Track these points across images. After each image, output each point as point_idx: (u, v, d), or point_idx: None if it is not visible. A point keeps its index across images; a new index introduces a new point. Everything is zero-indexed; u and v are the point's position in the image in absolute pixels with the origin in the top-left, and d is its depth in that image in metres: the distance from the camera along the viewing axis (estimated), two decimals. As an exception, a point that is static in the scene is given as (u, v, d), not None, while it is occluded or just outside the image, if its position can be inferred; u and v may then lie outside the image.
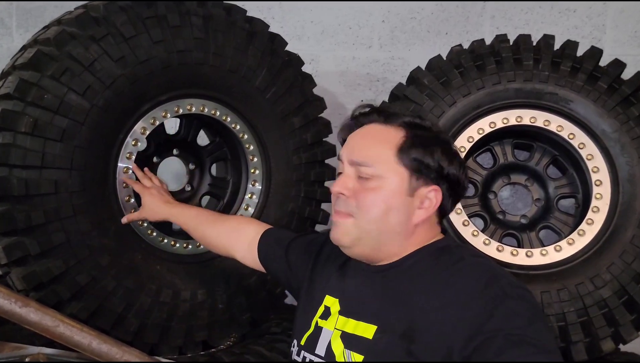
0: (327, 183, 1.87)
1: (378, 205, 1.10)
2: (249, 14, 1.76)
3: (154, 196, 1.59)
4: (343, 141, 1.20)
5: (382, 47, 2.29)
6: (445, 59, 1.89)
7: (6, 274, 1.49)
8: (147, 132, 1.60)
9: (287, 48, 1.83)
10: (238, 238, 1.49)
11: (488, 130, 1.81)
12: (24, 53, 1.48)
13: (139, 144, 1.59)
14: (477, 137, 1.81)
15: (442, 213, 1.16)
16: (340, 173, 1.17)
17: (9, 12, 2.54)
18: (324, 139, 1.93)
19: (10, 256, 1.42)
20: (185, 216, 1.58)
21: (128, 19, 1.51)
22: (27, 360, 1.22)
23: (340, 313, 1.14)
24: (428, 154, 1.10)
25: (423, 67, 1.90)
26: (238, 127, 1.77)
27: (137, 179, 1.64)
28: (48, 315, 1.10)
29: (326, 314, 1.17)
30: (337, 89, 2.30)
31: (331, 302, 1.17)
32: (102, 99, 1.48)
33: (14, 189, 1.39)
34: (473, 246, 1.72)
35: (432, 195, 1.11)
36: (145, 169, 1.68)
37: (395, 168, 1.10)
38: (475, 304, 0.99)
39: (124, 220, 1.56)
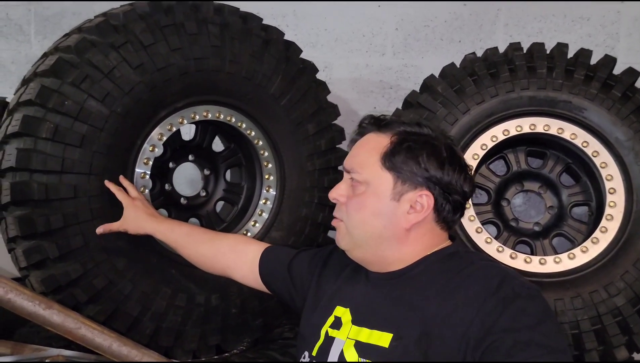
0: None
1: (361, 210, 1.13)
2: (263, 22, 1.78)
3: (139, 209, 1.49)
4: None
5: (395, 55, 2.30)
6: (458, 67, 1.90)
7: (25, 277, 1.51)
8: (164, 138, 1.62)
9: (301, 55, 1.85)
10: (238, 257, 1.46)
11: (501, 138, 1.81)
12: (45, 60, 1.51)
13: (156, 150, 1.61)
14: (490, 144, 1.81)
15: (443, 218, 1.16)
16: None
17: (27, 19, 2.58)
18: (337, 146, 1.94)
19: (30, 259, 1.44)
20: (174, 234, 1.50)
21: (147, 26, 1.54)
22: (47, 361, 1.24)
23: (353, 322, 1.14)
24: (412, 159, 1.12)
25: (436, 74, 1.91)
26: (253, 133, 1.78)
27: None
28: (70, 317, 1.12)
29: (337, 324, 1.17)
30: (351, 96, 2.31)
31: (342, 312, 1.18)
32: (120, 105, 1.50)
33: (34, 193, 1.41)
34: (485, 252, 1.72)
35: (423, 200, 1.12)
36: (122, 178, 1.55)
37: (380, 173, 1.13)
38: (487, 305, 1.00)
39: (100, 230, 1.46)
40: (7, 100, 1.68)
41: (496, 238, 1.84)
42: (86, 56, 1.47)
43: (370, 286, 1.18)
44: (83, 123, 1.45)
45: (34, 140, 1.42)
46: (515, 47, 1.87)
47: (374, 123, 1.19)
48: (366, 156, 1.15)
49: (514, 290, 1.01)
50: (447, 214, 1.15)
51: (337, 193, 1.18)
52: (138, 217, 1.49)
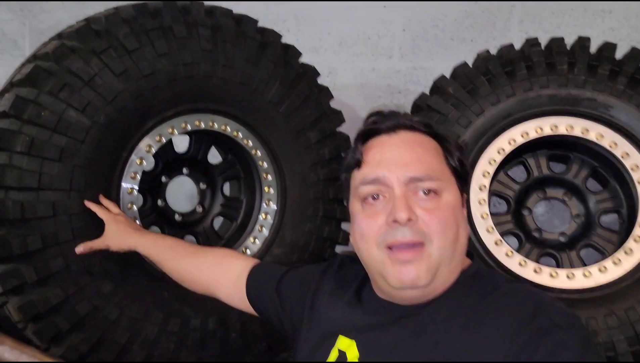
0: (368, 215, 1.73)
1: (452, 224, 0.94)
2: (259, 24, 1.67)
3: (120, 223, 1.38)
4: (357, 163, 1.01)
5: (403, 57, 2.17)
6: (471, 66, 1.77)
7: (4, 304, 1.40)
8: (153, 150, 1.52)
9: (303, 61, 1.74)
10: (222, 273, 1.31)
11: (520, 141, 1.68)
12: (22, 69, 1.41)
13: (145, 162, 1.50)
14: (508, 148, 1.68)
15: None
16: (373, 197, 0.97)
17: (22, 34, 2.50)
18: (342, 155, 1.82)
19: (6, 284, 1.34)
20: (157, 247, 1.37)
21: (131, 30, 1.44)
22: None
23: (362, 359, 0.98)
24: (464, 159, 1.01)
25: (447, 76, 1.78)
26: (250, 143, 1.67)
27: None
28: (25, 353, 0.99)
29: (342, 358, 1.00)
30: (357, 102, 2.18)
31: (347, 345, 1.01)
32: (103, 115, 1.40)
33: (9, 212, 1.31)
34: (506, 268, 1.58)
35: (465, 204, 1.01)
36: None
37: (451, 178, 0.99)
38: (520, 337, 0.85)
39: (79, 249, 1.35)
40: None
41: (518, 250, 1.69)
42: (65, 63, 1.37)
43: (383, 316, 1.00)
44: (62, 135, 1.35)
45: (9, 154, 1.32)
46: (532, 42, 1.74)
47: (405, 124, 1.01)
48: (433, 160, 0.97)
49: (551, 319, 0.86)
50: None
51: (411, 211, 0.93)
52: (120, 231, 1.38)
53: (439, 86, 1.74)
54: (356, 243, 1.01)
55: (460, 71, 1.75)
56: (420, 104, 1.75)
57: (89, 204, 1.38)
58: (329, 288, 1.12)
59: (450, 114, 1.67)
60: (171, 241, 1.40)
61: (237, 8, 1.67)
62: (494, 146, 1.68)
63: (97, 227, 1.40)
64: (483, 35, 2.11)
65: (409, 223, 0.93)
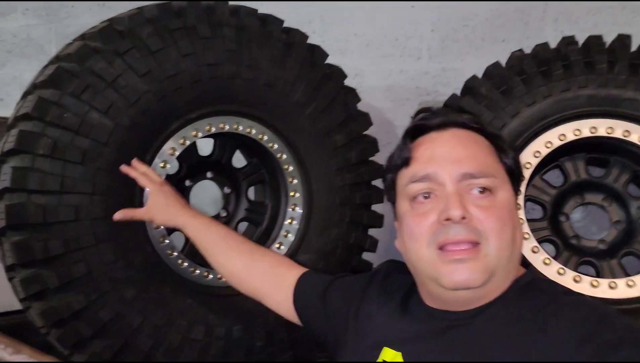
0: (417, 214, 1.61)
1: (508, 224, 0.89)
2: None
3: (169, 195, 1.30)
4: (405, 161, 0.96)
5: (432, 58, 2.12)
6: (504, 66, 1.70)
7: (27, 308, 1.38)
8: (177, 153, 1.48)
9: (329, 62, 1.69)
10: (275, 283, 1.24)
11: (557, 143, 1.60)
12: (45, 70, 1.39)
13: (168, 166, 1.47)
14: (544, 151, 1.60)
15: None
16: (424, 196, 0.92)
17: (48, 39, 2.52)
18: (370, 158, 1.77)
19: (28, 289, 1.31)
20: (210, 233, 1.29)
21: (154, 30, 1.41)
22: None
23: None
24: (518, 157, 0.97)
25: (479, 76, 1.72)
26: (276, 146, 1.63)
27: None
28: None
29: None
30: (384, 105, 2.14)
31: (392, 356, 0.95)
32: (126, 117, 1.36)
33: (31, 216, 1.28)
34: (544, 276, 1.50)
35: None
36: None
37: (504, 176, 0.94)
38: (582, 352, 0.79)
39: (118, 216, 1.27)
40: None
41: (555, 258, 1.61)
42: (87, 64, 1.34)
43: (431, 326, 0.94)
44: (84, 137, 1.32)
45: (31, 157, 1.30)
46: (569, 41, 1.66)
47: (455, 121, 0.98)
48: (486, 157, 0.93)
49: (616, 333, 0.80)
50: None
51: (464, 209, 0.88)
52: (168, 205, 1.29)
53: (470, 86, 1.68)
54: (404, 245, 0.96)
55: (493, 71, 1.68)
56: (451, 106, 1.68)
57: (126, 169, 1.31)
58: (374, 297, 1.06)
59: (483, 115, 1.60)
60: (224, 231, 1.32)
61: (262, 9, 1.64)
62: (529, 149, 1.60)
63: (120, 231, 1.37)
64: (515, 35, 2.04)
65: (462, 221, 0.87)
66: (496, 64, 1.71)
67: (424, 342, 0.93)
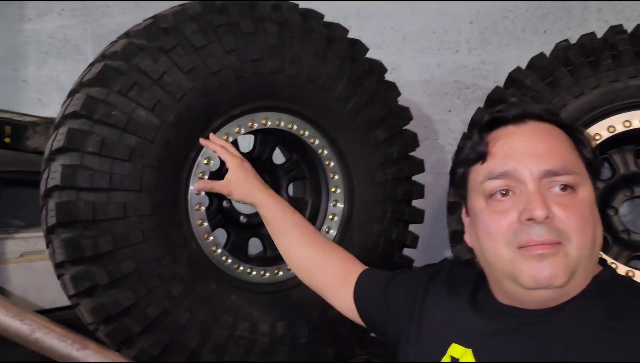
0: (495, 211, 1.55)
1: (590, 222, 0.86)
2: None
3: (249, 172, 1.29)
4: (481, 156, 0.92)
5: (470, 51, 2.08)
6: (549, 57, 1.66)
7: (76, 305, 1.39)
8: (220, 150, 1.47)
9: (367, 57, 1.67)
10: (342, 279, 1.21)
11: (606, 135, 1.56)
12: (91, 69, 1.40)
13: (212, 163, 1.47)
14: (592, 144, 1.55)
15: None
16: (502, 193, 0.89)
17: (84, 39, 2.54)
18: (410, 153, 1.75)
19: (78, 286, 1.32)
20: (284, 216, 1.27)
21: (199, 27, 1.40)
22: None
23: None
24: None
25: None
26: (317, 142, 1.62)
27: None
28: (109, 359, 0.96)
29: None
30: (422, 99, 2.11)
31: (460, 352, 0.92)
32: (172, 114, 1.37)
33: (81, 213, 1.29)
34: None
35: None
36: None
37: (584, 171, 0.90)
38: None
39: (199, 185, 1.30)
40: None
41: (605, 252, 1.57)
42: (134, 62, 1.35)
43: (504, 323, 0.91)
44: (132, 135, 1.33)
45: (80, 155, 1.31)
46: (617, 30, 1.62)
47: (533, 113, 0.93)
48: (567, 153, 0.89)
49: None
50: None
51: (548, 209, 0.84)
52: (248, 181, 1.29)
53: (515, 78, 1.64)
54: (478, 242, 0.93)
55: (538, 62, 1.64)
56: (495, 99, 1.65)
57: (205, 142, 1.33)
58: (439, 293, 1.03)
59: (529, 108, 1.56)
60: (299, 218, 1.30)
61: (300, 5, 1.63)
62: (577, 141, 1.57)
63: (167, 228, 1.37)
64: (557, 25, 2.00)
65: (546, 221, 0.84)
66: (541, 55, 1.67)
67: (497, 337, 0.90)
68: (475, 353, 0.90)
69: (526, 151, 0.88)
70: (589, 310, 0.85)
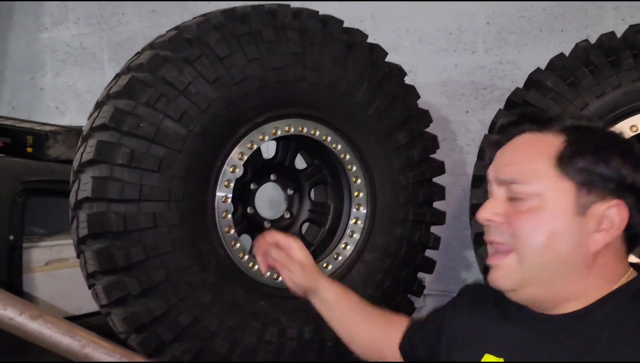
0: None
1: (540, 230, 0.88)
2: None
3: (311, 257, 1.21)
4: (490, 161, 1.00)
5: (487, 52, 2.09)
6: (569, 57, 1.66)
7: (107, 314, 1.41)
8: (245, 158, 1.50)
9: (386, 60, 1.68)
10: (389, 340, 1.16)
11: (629, 134, 1.55)
12: (117, 81, 1.42)
13: (237, 170, 1.49)
14: (615, 143, 1.56)
15: (632, 237, 0.91)
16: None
17: (100, 47, 2.56)
18: (431, 156, 1.76)
19: (111, 296, 1.34)
20: (346, 298, 1.20)
21: (222, 37, 1.42)
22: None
23: None
24: (601, 161, 0.88)
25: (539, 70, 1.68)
26: (339, 147, 1.63)
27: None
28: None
29: None
30: (440, 100, 2.12)
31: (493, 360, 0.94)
32: (198, 124, 1.38)
33: (112, 224, 1.31)
34: None
35: (614, 212, 0.87)
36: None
37: (557, 181, 0.89)
38: None
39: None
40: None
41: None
42: (160, 73, 1.36)
43: (534, 330, 0.93)
44: (160, 146, 1.35)
45: (109, 167, 1.33)
46: (637, 28, 1.62)
47: (531, 120, 0.96)
48: (533, 163, 0.91)
49: None
50: (638, 229, 0.90)
51: (491, 212, 0.92)
52: (314, 265, 1.21)
53: (535, 79, 1.65)
54: None
55: (558, 62, 1.65)
56: (516, 100, 1.66)
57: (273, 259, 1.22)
58: (464, 311, 1.05)
59: (550, 109, 1.57)
60: (356, 297, 1.23)
61: (313, 8, 1.63)
62: (599, 141, 1.57)
63: (195, 236, 1.39)
64: (574, 24, 2.00)
65: (491, 224, 0.92)
66: (561, 56, 1.67)
67: (526, 345, 0.91)
68: (506, 361, 0.92)
69: (496, 161, 0.96)
70: (617, 313, 0.86)
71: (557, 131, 0.92)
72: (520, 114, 0.99)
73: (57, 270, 1.94)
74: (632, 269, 0.92)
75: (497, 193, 0.94)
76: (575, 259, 0.88)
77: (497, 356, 0.93)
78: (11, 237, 1.76)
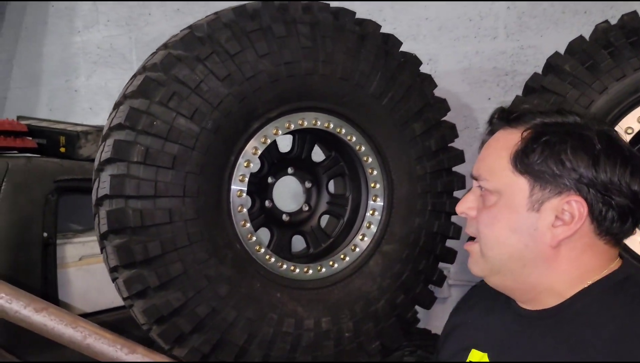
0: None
1: (494, 225, 0.93)
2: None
3: None
4: None
5: (509, 37, 2.04)
6: (588, 39, 1.61)
7: (130, 306, 1.46)
8: (259, 152, 1.52)
9: (402, 49, 1.67)
10: None
11: (654, 116, 1.50)
12: (133, 81, 1.46)
13: (252, 165, 1.51)
14: (637, 128, 1.51)
15: (606, 229, 0.90)
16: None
17: (129, 47, 2.63)
18: (449, 145, 1.74)
19: (131, 289, 1.39)
20: None
21: (232, 34, 1.44)
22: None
23: None
24: (552, 157, 0.89)
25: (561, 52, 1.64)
26: (354, 139, 1.63)
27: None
28: (157, 362, 1.01)
29: None
30: (461, 88, 2.09)
31: (478, 357, 0.96)
32: (210, 121, 1.41)
33: (130, 220, 1.36)
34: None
35: (572, 207, 0.88)
36: None
37: (512, 178, 0.92)
38: None
39: None
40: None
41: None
42: (172, 72, 1.40)
43: (514, 324, 0.95)
44: (174, 143, 1.38)
45: (126, 165, 1.37)
46: (660, 8, 1.55)
47: (503, 117, 0.99)
48: (494, 159, 0.95)
49: None
50: (612, 224, 0.90)
51: (465, 206, 1.00)
52: None
53: (553, 64, 1.61)
54: None
55: (577, 45, 1.60)
56: (533, 86, 1.62)
57: None
58: (463, 312, 1.09)
59: (569, 94, 1.53)
60: None
61: (333, 2, 1.64)
62: (620, 126, 1.51)
63: (210, 231, 1.42)
64: (598, 5, 1.93)
65: (465, 216, 1.01)
66: (580, 39, 1.63)
67: (511, 339, 0.94)
68: (490, 357, 0.95)
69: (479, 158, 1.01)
70: (599, 306, 0.87)
71: (523, 127, 0.93)
72: (496, 110, 0.99)
73: (91, 264, 2.02)
74: (617, 261, 0.91)
75: (474, 188, 0.99)
76: (531, 253, 0.90)
77: (481, 350, 0.96)
78: (45, 234, 1.85)
